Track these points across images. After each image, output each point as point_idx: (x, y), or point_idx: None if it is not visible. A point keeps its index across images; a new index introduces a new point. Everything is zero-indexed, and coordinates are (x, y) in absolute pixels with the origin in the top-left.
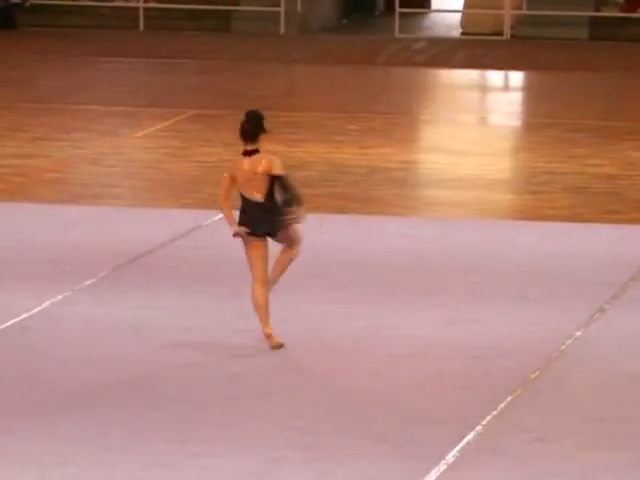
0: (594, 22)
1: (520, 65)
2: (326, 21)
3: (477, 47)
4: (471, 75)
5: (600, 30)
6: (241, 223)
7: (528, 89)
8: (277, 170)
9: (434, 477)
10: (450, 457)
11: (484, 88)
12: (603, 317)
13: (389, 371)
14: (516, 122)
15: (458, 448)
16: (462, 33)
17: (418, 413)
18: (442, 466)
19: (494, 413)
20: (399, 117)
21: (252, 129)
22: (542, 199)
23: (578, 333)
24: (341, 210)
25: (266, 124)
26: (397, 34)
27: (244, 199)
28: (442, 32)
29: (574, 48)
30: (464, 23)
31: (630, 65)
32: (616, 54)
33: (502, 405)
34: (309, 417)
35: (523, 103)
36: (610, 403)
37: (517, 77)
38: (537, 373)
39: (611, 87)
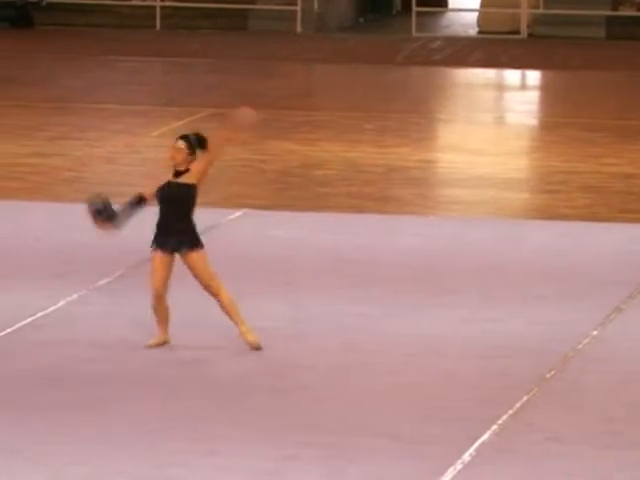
0: (611, 21)
1: (537, 64)
2: (343, 20)
3: (494, 46)
4: (488, 74)
5: (617, 29)
6: None
7: (545, 88)
8: None
9: (450, 476)
10: (466, 456)
11: (501, 87)
12: (619, 316)
13: (404, 370)
14: (532, 121)
15: (474, 447)
16: (479, 32)
17: (433, 412)
18: (458, 465)
19: (510, 413)
20: (416, 116)
21: None
22: (558, 198)
23: (594, 332)
24: (358, 209)
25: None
26: (414, 33)
27: None
28: (459, 31)
29: (591, 47)
30: (481, 22)
31: None
32: (633, 53)
33: (518, 405)
34: (323, 415)
35: (540, 102)
36: (626, 403)
37: (534, 76)
38: (553, 373)
39: (628, 86)
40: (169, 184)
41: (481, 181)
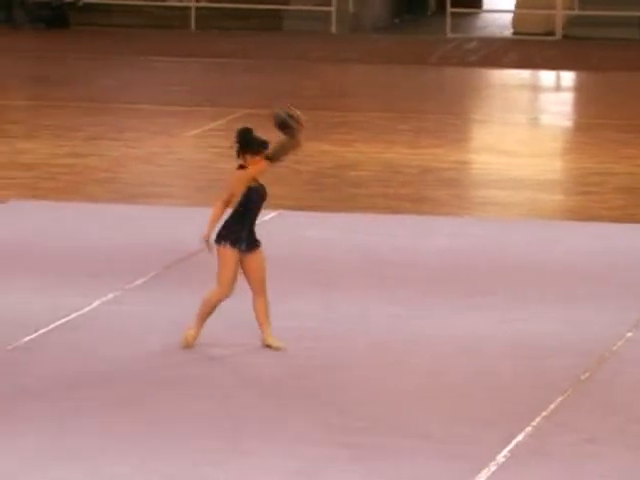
0: None
1: (571, 65)
2: (378, 21)
3: (529, 47)
4: (522, 75)
5: None
6: None
7: (579, 89)
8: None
9: (484, 477)
10: (500, 457)
11: (535, 88)
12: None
13: (439, 370)
14: (567, 122)
15: (508, 448)
16: (514, 33)
17: (468, 413)
18: (492, 466)
19: (544, 414)
20: (451, 117)
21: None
22: (594, 200)
23: (629, 334)
24: (394, 210)
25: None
26: (449, 34)
27: None
28: (494, 32)
29: (626, 48)
30: (516, 23)
31: None
32: None
33: (552, 406)
34: (356, 416)
35: (574, 103)
36: None
37: (568, 77)
38: (587, 374)
39: None
40: (261, 185)
41: (516, 182)
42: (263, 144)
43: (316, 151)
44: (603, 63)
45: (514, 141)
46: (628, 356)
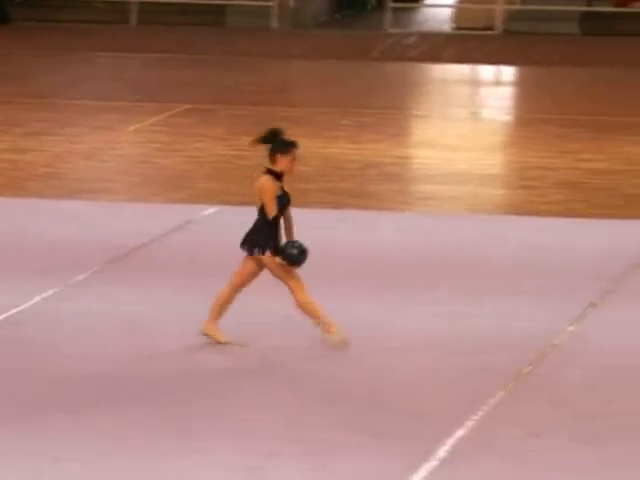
0: (586, 17)
1: (512, 60)
2: (319, 16)
3: (469, 42)
4: (463, 70)
5: (592, 25)
6: None
7: (520, 84)
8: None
9: (426, 472)
10: (442, 452)
11: (476, 83)
12: (596, 312)
13: (382, 365)
14: (508, 117)
15: (450, 443)
16: (453, 28)
17: (411, 408)
18: (434, 461)
19: (487, 408)
20: (392, 112)
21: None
22: (535, 194)
23: (572, 328)
24: (336, 205)
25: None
26: (389, 29)
27: None
28: (434, 27)
29: (566, 43)
30: (455, 18)
31: (623, 60)
32: (608, 49)
33: (495, 400)
34: (303, 412)
35: (515, 98)
36: (604, 398)
37: (509, 72)
38: (530, 368)
39: (603, 82)
40: (285, 192)
41: (457, 177)
42: (293, 143)
43: (258, 146)
44: (543, 58)
45: (455, 136)
46: (570, 350)
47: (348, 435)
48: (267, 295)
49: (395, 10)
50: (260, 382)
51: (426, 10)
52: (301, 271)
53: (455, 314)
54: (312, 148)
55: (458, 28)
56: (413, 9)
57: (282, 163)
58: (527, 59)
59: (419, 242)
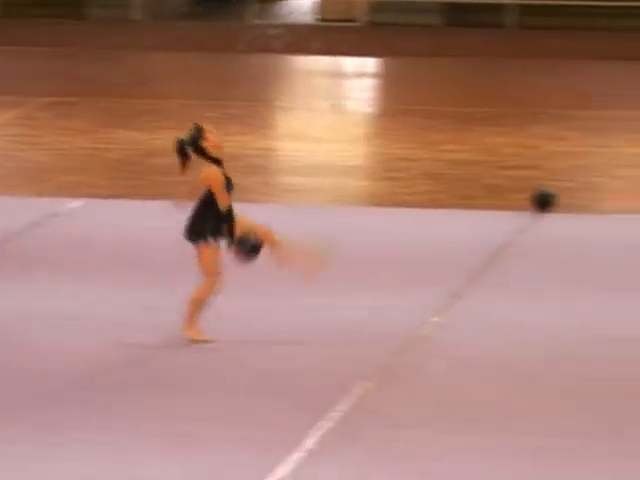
0: (448, 8)
1: (375, 51)
2: (181, 7)
3: (333, 33)
4: (327, 62)
5: (455, 16)
6: None
7: (384, 75)
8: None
9: (291, 464)
10: (308, 444)
11: (340, 75)
12: (459, 303)
13: (248, 357)
14: (372, 108)
15: (316, 435)
16: (318, 20)
17: (277, 399)
18: (300, 453)
19: (351, 400)
20: (257, 104)
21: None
22: (399, 185)
23: (435, 319)
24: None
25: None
26: (253, 21)
27: None
28: (298, 19)
29: (429, 34)
30: (319, 9)
31: (485, 51)
32: (471, 40)
33: (360, 391)
34: (168, 404)
35: (379, 89)
36: (466, 388)
37: (373, 63)
38: (394, 360)
39: (467, 73)
40: (228, 177)
41: (321, 169)
42: (198, 128)
43: (123, 139)
44: (407, 49)
45: (319, 127)
46: (434, 341)
47: (214, 427)
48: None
49: (259, 2)
50: (124, 376)
51: (290, 2)
52: (175, 264)
53: (319, 306)
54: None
55: (322, 20)
56: (277, 1)
57: (211, 150)
58: (391, 50)
59: (283, 234)
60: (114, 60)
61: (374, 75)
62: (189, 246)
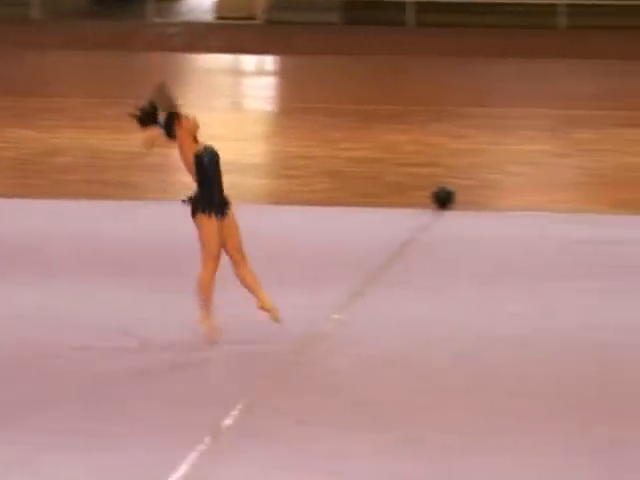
0: (347, 6)
1: (274, 49)
2: (79, 6)
3: (232, 31)
4: (226, 60)
5: (354, 14)
6: None
7: (283, 73)
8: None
9: (192, 462)
10: (208, 441)
11: (239, 73)
12: (360, 300)
13: (146, 357)
14: (271, 106)
15: (216, 432)
16: (216, 17)
17: (177, 398)
18: (201, 450)
19: (253, 397)
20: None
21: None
22: (298, 183)
23: (336, 316)
24: (98, 196)
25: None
26: (152, 19)
27: None
28: (198, 17)
29: (328, 32)
30: (218, 7)
31: (385, 49)
32: (370, 38)
33: (262, 388)
34: (70, 404)
35: (278, 87)
36: (368, 386)
37: (272, 61)
38: (297, 356)
39: (367, 71)
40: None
41: (221, 166)
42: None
43: (19, 137)
44: (306, 47)
45: (218, 126)
46: (335, 338)
47: (114, 427)
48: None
49: (159, 0)
50: (26, 372)
51: (190, 0)
52: (60, 262)
53: (219, 304)
54: (74, 139)
55: (221, 18)
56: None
57: (186, 128)
58: (290, 48)
59: (183, 232)
60: (11, 58)
61: (273, 73)
62: (88, 247)
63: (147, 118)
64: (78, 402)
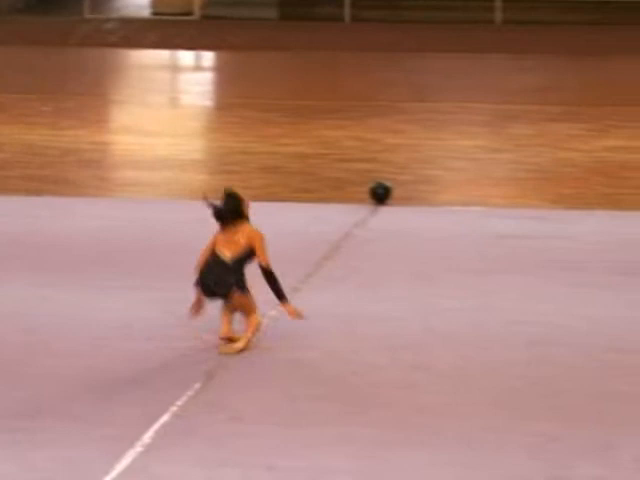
0: (284, 2)
1: (211, 45)
2: (15, 2)
3: (168, 27)
4: (163, 55)
5: (290, 10)
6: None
7: (220, 69)
8: (260, 253)
9: (130, 458)
10: (146, 438)
11: (176, 68)
12: (297, 296)
13: (91, 352)
14: (208, 102)
15: (154, 429)
16: (152, 13)
17: (116, 394)
18: (138, 447)
19: (190, 393)
20: (92, 98)
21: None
22: (236, 179)
23: (273, 312)
24: (36, 192)
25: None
26: (88, 14)
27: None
28: (133, 12)
29: (265, 28)
30: (154, 3)
31: (323, 45)
32: (307, 33)
33: (198, 385)
34: (8, 399)
35: (215, 83)
36: (303, 382)
37: (208, 57)
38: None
39: (304, 67)
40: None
41: (158, 163)
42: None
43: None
44: (243, 43)
45: (156, 121)
46: (271, 335)
47: (54, 422)
48: None
49: None
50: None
51: None
52: (5, 259)
53: (161, 299)
54: (11, 135)
55: (157, 14)
56: None
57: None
58: (227, 44)
59: (121, 228)
60: None
61: (210, 69)
62: (22, 241)
63: (226, 215)
64: (11, 399)
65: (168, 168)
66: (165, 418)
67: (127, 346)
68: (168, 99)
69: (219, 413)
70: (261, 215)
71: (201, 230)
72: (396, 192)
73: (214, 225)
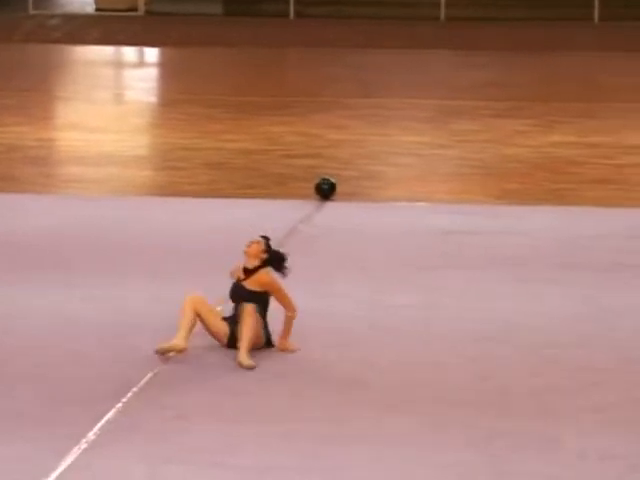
0: None
1: (155, 41)
2: None
3: (112, 23)
4: (106, 51)
5: (235, 6)
6: None
7: (164, 65)
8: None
9: (74, 456)
10: (91, 435)
11: (120, 64)
12: None
13: (35, 350)
14: (152, 98)
15: (98, 426)
16: (97, 9)
17: (61, 392)
18: (83, 445)
19: (134, 390)
20: (35, 94)
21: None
22: (180, 175)
23: (219, 308)
24: None
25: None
26: (31, 10)
27: None
28: (77, 9)
29: (210, 24)
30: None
31: (267, 41)
32: (251, 29)
33: (142, 383)
34: None
35: (159, 79)
36: (248, 379)
37: (152, 53)
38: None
39: (246, 62)
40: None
41: (102, 159)
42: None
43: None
44: (187, 38)
45: (100, 118)
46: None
47: (0, 420)
48: None
49: None
50: None
51: None
52: None
53: (102, 297)
54: None
55: (101, 10)
56: None
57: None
58: (171, 40)
59: (65, 225)
60: None
61: (154, 65)
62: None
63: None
64: None
65: (113, 164)
66: (110, 415)
67: (72, 344)
68: (113, 95)
69: (163, 410)
70: (206, 211)
71: (144, 228)
72: (340, 188)
73: (158, 222)
